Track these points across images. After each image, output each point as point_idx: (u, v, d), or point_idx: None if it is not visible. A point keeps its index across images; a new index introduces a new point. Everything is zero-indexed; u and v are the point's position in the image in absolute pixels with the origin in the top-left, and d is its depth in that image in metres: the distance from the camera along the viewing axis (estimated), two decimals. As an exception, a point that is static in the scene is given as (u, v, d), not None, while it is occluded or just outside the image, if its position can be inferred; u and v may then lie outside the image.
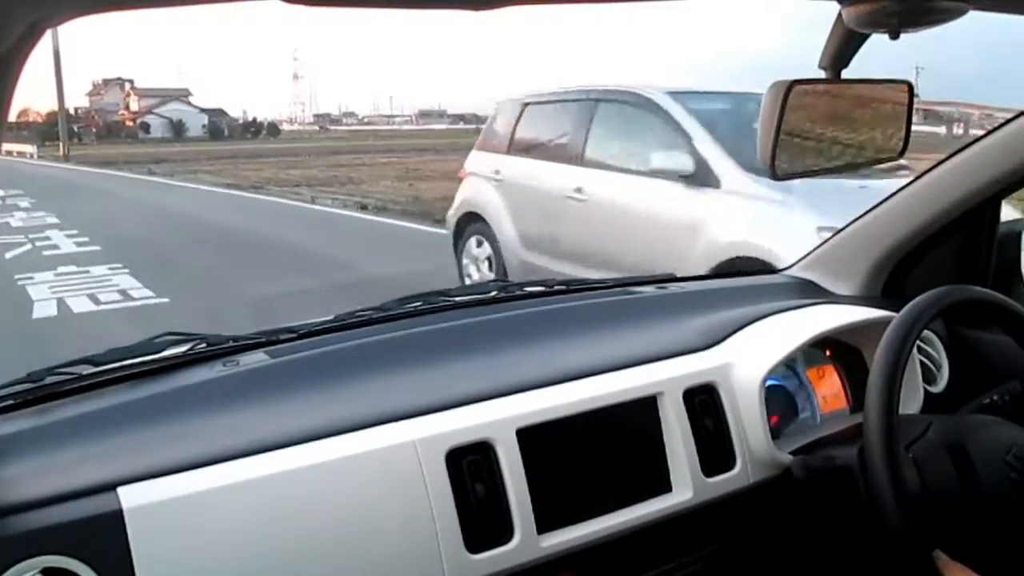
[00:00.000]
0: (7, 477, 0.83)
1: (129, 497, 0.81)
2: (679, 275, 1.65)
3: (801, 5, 0.83)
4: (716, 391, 1.15)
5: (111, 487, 0.82)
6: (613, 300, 1.42)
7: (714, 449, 1.12)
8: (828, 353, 1.34)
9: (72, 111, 59.97)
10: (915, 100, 1.14)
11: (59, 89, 37.17)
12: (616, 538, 1.04)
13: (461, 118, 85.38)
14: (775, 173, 1.02)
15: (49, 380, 1.01)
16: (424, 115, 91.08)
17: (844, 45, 0.95)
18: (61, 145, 33.03)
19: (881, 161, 1.17)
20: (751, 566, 1.21)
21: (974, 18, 0.81)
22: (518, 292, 1.41)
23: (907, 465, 1.00)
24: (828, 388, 1.31)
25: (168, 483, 0.84)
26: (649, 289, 1.47)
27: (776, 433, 1.20)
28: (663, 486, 1.09)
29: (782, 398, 1.26)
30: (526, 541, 0.97)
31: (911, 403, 1.28)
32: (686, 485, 1.09)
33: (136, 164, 25.20)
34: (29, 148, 36.22)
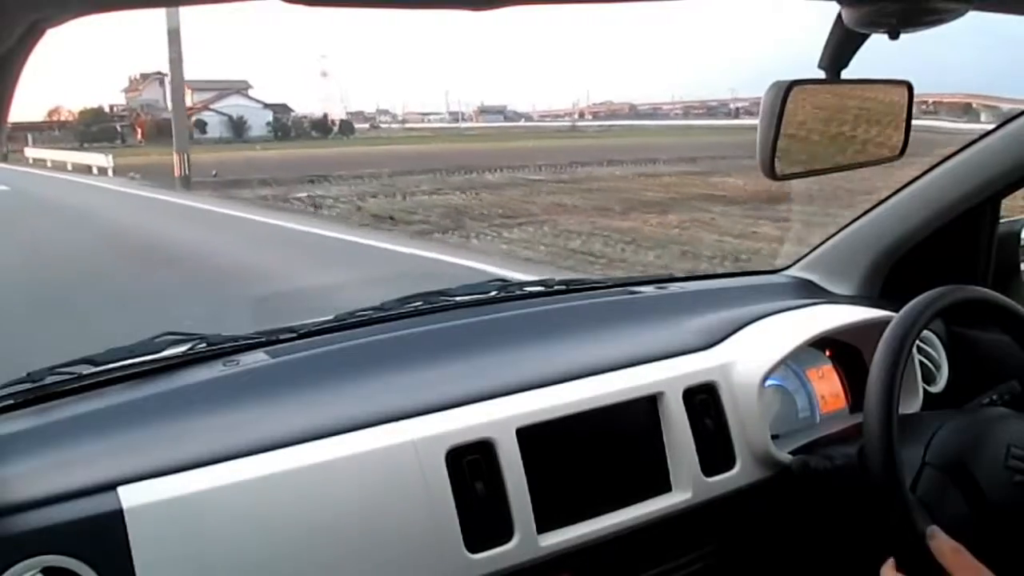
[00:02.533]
0: (7, 477, 0.83)
1: (129, 497, 0.81)
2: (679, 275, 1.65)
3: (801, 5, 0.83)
4: (716, 391, 1.15)
5: (111, 487, 0.82)
6: (613, 300, 1.42)
7: (714, 449, 1.12)
8: (828, 353, 1.34)
9: (108, 109, 54.40)
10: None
11: (176, 82, 21.35)
12: (616, 537, 1.04)
13: (500, 113, 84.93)
14: (775, 173, 1.02)
15: (49, 380, 1.01)
16: (483, 111, 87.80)
17: (844, 45, 0.95)
18: (176, 165, 18.34)
19: (881, 161, 1.16)
20: (750, 566, 1.21)
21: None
22: (518, 292, 1.41)
23: (920, 517, 0.99)
24: (828, 388, 1.31)
25: (168, 483, 0.84)
26: (649, 289, 1.47)
27: (776, 433, 1.20)
28: (663, 486, 1.09)
29: (782, 398, 1.26)
30: (526, 540, 0.97)
31: (911, 403, 1.28)
32: (686, 485, 1.09)
33: (281, 185, 15.71)
34: (100, 159, 22.34)
